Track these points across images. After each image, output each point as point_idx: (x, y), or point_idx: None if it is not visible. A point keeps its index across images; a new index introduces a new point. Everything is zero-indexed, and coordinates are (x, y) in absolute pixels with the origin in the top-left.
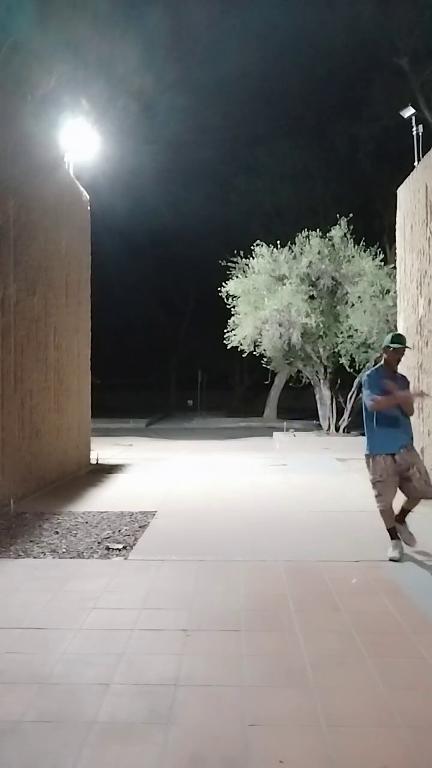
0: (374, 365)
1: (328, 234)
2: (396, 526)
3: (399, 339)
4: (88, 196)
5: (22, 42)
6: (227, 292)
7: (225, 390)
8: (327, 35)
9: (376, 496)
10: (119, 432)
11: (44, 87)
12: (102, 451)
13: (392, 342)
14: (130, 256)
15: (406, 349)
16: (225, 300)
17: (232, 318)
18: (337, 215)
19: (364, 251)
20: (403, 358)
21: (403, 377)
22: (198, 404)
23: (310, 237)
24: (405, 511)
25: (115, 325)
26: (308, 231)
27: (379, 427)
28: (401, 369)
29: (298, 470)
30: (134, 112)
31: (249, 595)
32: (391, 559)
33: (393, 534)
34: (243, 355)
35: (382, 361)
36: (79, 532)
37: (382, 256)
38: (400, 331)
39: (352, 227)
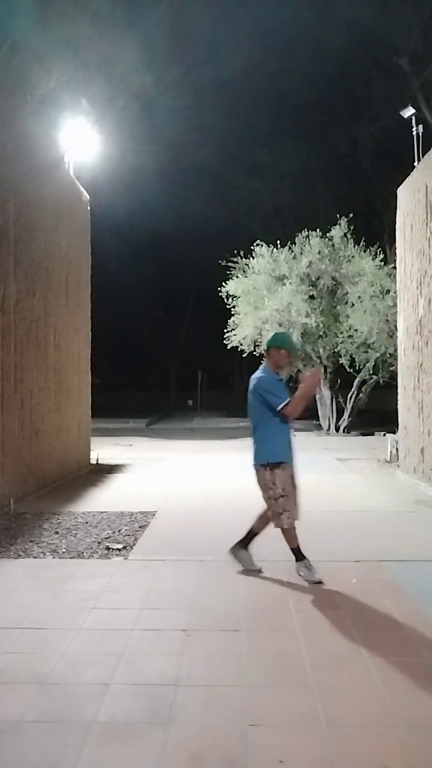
0: (262, 366)
1: (328, 234)
2: (242, 552)
3: (291, 342)
4: (88, 196)
5: (22, 42)
6: (227, 292)
7: (225, 390)
8: (327, 35)
9: (279, 514)
10: (119, 432)
11: (44, 87)
12: (102, 451)
13: (283, 344)
14: (130, 256)
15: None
16: (225, 300)
17: (232, 318)
18: (337, 215)
19: (364, 251)
20: (402, 359)
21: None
22: (198, 404)
23: (310, 237)
24: (254, 534)
25: (115, 325)
26: (308, 231)
27: (281, 433)
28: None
29: (298, 470)
30: (134, 112)
31: (249, 595)
32: (317, 582)
33: (300, 554)
34: (243, 355)
35: (268, 363)
36: (79, 532)
37: (382, 256)
38: (400, 331)
39: (352, 227)
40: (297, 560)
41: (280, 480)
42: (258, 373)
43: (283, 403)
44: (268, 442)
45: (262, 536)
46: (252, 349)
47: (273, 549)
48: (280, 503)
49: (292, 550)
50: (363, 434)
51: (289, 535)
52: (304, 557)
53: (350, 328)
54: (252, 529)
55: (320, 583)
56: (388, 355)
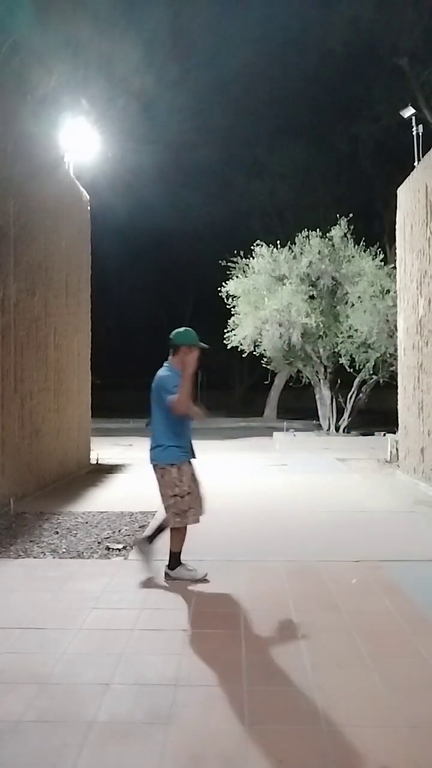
0: (166, 364)
1: (328, 234)
2: (145, 545)
3: (194, 338)
4: (88, 196)
5: (22, 42)
6: (227, 292)
7: (225, 390)
8: (327, 35)
9: (184, 512)
10: (119, 432)
11: (44, 87)
12: (102, 451)
13: (194, 342)
14: (130, 256)
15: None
16: (225, 300)
17: (232, 318)
18: (337, 215)
19: (364, 251)
20: (402, 359)
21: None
22: (198, 404)
23: (310, 237)
24: (162, 529)
25: (115, 325)
26: (308, 231)
27: (183, 431)
28: None
29: (298, 470)
30: (134, 112)
31: (249, 595)
32: (204, 580)
33: (178, 560)
34: (243, 355)
35: (174, 361)
36: (79, 532)
37: (382, 256)
38: (400, 331)
39: (352, 227)
40: (171, 568)
41: (185, 477)
42: (162, 372)
43: (175, 398)
44: (171, 440)
45: (265, 537)
46: (252, 349)
47: (273, 549)
48: (185, 501)
49: (172, 553)
50: (363, 434)
51: (179, 535)
52: (182, 564)
53: (350, 328)
54: (162, 524)
55: (206, 580)
56: (388, 355)
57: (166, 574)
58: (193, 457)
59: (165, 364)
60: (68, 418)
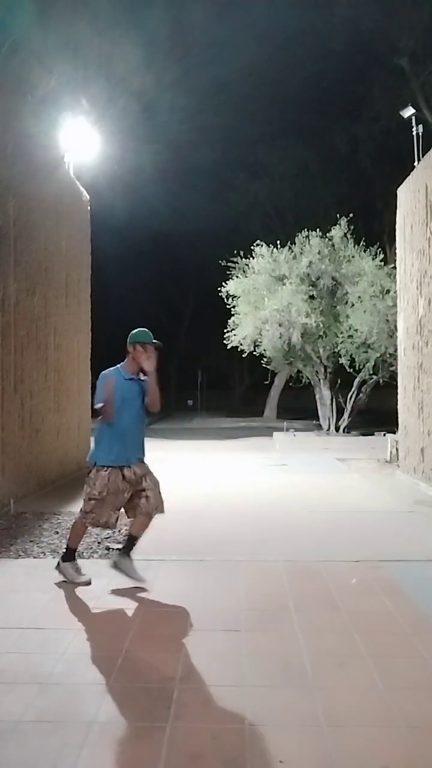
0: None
1: (328, 234)
2: (124, 560)
3: (145, 335)
4: (88, 196)
5: (22, 42)
6: (227, 292)
7: (225, 390)
8: (327, 35)
9: (86, 513)
10: None
11: (44, 87)
12: None
13: (139, 338)
14: (130, 256)
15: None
16: (225, 300)
17: (232, 318)
18: (337, 215)
19: (364, 251)
20: (402, 359)
21: (141, 381)
22: (198, 404)
23: (310, 237)
24: (134, 539)
25: (115, 325)
26: (308, 231)
27: (110, 435)
28: None
29: (298, 470)
30: (134, 112)
31: (249, 595)
32: (86, 583)
33: (72, 555)
34: (243, 355)
35: (127, 361)
36: None
37: (382, 256)
38: (400, 331)
39: (352, 227)
40: (64, 560)
41: (99, 482)
42: (108, 370)
43: (99, 405)
44: (97, 443)
45: (266, 537)
46: (252, 349)
47: (273, 549)
48: (90, 504)
49: (68, 547)
50: (363, 434)
51: (77, 531)
52: (75, 559)
53: (350, 328)
54: (130, 534)
55: (89, 583)
56: (388, 355)
57: (58, 564)
58: (125, 463)
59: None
60: (68, 418)
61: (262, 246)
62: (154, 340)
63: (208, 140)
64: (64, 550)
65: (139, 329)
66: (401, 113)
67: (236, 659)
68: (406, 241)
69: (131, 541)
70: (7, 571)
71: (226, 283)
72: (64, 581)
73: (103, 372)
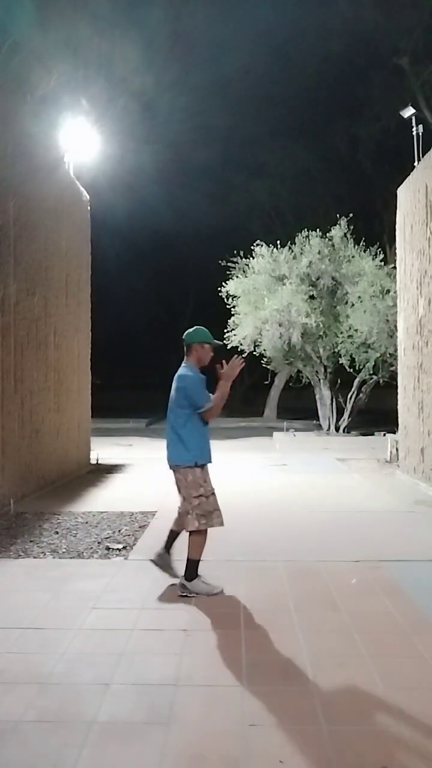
0: (184, 364)
1: (328, 234)
2: (164, 558)
3: (209, 335)
4: (88, 196)
5: (22, 42)
6: (227, 292)
7: None
8: (327, 35)
9: (210, 513)
10: (119, 432)
11: (44, 87)
12: (102, 451)
13: (206, 339)
14: (130, 256)
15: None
16: (225, 300)
17: (232, 318)
18: (337, 215)
19: (364, 251)
20: (402, 359)
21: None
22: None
23: (310, 237)
24: (176, 534)
25: (115, 325)
26: (308, 231)
27: (201, 434)
28: None
29: (298, 470)
30: (134, 112)
31: (249, 595)
32: (221, 593)
33: (196, 570)
34: (243, 355)
35: (191, 360)
36: (79, 532)
37: (382, 256)
38: (400, 331)
39: (352, 227)
40: (190, 579)
41: (208, 477)
42: (182, 371)
43: (205, 406)
44: (195, 442)
45: (266, 537)
46: (252, 349)
47: (273, 549)
48: (210, 502)
49: (191, 562)
50: (363, 434)
51: (199, 542)
52: (199, 575)
53: (350, 328)
54: (172, 530)
55: (222, 591)
56: (388, 355)
57: (182, 586)
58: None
59: (183, 363)
60: (68, 418)
61: (262, 246)
62: (216, 340)
63: (208, 140)
64: (186, 569)
65: (197, 328)
66: (401, 113)
67: (236, 659)
68: (406, 241)
69: (173, 537)
70: (7, 571)
71: (226, 283)
72: (188, 593)
73: (185, 373)
